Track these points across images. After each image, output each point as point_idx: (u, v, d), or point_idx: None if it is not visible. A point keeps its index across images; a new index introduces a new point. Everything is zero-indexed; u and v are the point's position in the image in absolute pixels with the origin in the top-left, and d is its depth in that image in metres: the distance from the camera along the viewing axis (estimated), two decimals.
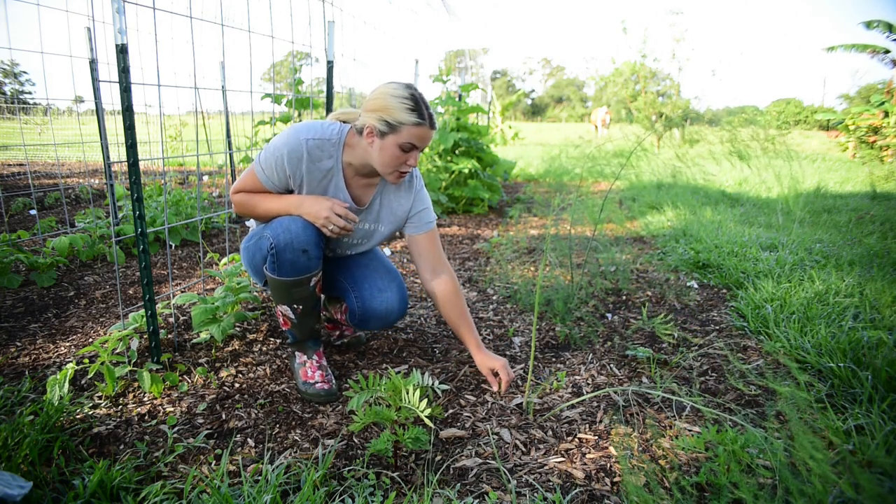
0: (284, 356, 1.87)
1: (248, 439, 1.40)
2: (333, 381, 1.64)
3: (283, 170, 1.51)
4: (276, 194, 1.57)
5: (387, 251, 3.45)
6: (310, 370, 1.65)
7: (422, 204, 1.69)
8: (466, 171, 4.76)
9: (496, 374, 1.62)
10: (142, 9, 1.58)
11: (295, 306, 1.58)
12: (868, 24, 10.12)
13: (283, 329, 1.67)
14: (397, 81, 1.48)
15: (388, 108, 1.42)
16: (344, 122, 1.60)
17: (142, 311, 1.73)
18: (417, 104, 1.43)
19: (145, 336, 1.85)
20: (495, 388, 1.63)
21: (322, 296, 1.74)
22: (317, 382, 1.61)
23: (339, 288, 1.76)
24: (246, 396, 1.60)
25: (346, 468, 1.27)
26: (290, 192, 1.58)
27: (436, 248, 1.70)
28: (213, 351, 1.88)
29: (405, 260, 3.24)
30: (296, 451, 1.34)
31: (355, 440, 1.40)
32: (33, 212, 4.41)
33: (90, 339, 1.97)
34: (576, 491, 1.19)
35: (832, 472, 0.89)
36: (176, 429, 1.43)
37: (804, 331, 1.91)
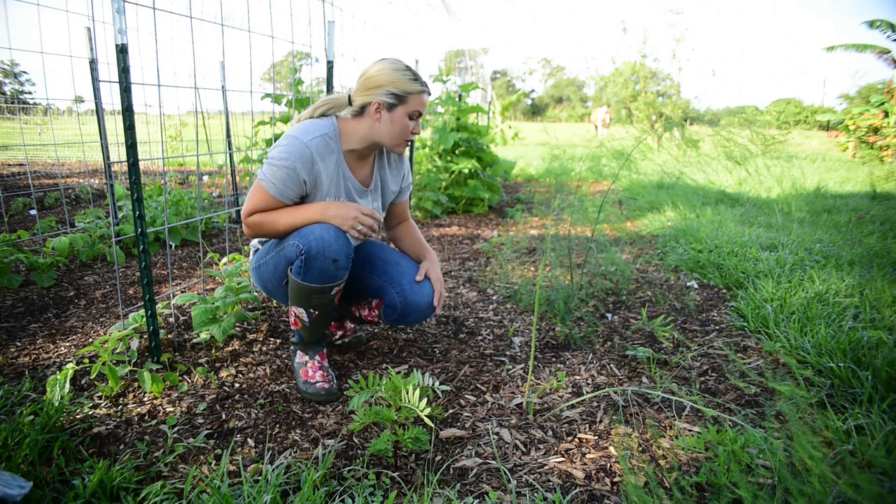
0: (284, 356, 1.87)
1: (248, 439, 1.40)
2: (334, 381, 1.64)
3: (298, 179, 1.50)
4: (293, 206, 1.55)
5: None
6: (311, 370, 1.65)
7: (410, 175, 1.86)
8: (466, 171, 4.76)
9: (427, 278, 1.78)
10: (142, 9, 1.59)
11: (311, 311, 1.58)
12: (871, 24, 10.12)
13: (293, 328, 1.67)
14: (388, 58, 1.55)
15: (394, 81, 1.50)
16: (324, 115, 1.61)
17: (142, 311, 1.73)
18: (416, 74, 1.54)
19: (145, 336, 1.85)
20: (419, 278, 1.73)
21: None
22: (317, 382, 1.61)
23: (373, 286, 1.76)
24: (246, 396, 1.60)
25: (346, 468, 1.27)
26: (303, 199, 1.58)
27: (407, 206, 1.91)
28: (213, 351, 1.88)
29: None
30: (296, 451, 1.34)
31: (355, 440, 1.40)
32: (33, 212, 4.41)
33: (90, 339, 1.97)
34: (576, 491, 1.19)
35: (831, 473, 0.89)
36: (176, 429, 1.43)
37: (804, 331, 1.91)
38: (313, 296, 1.54)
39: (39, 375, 1.69)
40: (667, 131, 2.27)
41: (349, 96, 1.58)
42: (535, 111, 59.61)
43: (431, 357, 1.91)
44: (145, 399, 1.56)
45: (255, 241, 1.73)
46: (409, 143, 1.62)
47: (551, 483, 1.22)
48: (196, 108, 4.65)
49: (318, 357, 1.69)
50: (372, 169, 1.71)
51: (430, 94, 1.57)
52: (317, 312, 1.59)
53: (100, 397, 1.57)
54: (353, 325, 2.01)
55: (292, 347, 1.74)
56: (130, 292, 2.54)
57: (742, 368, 1.75)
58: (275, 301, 2.37)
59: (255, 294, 2.03)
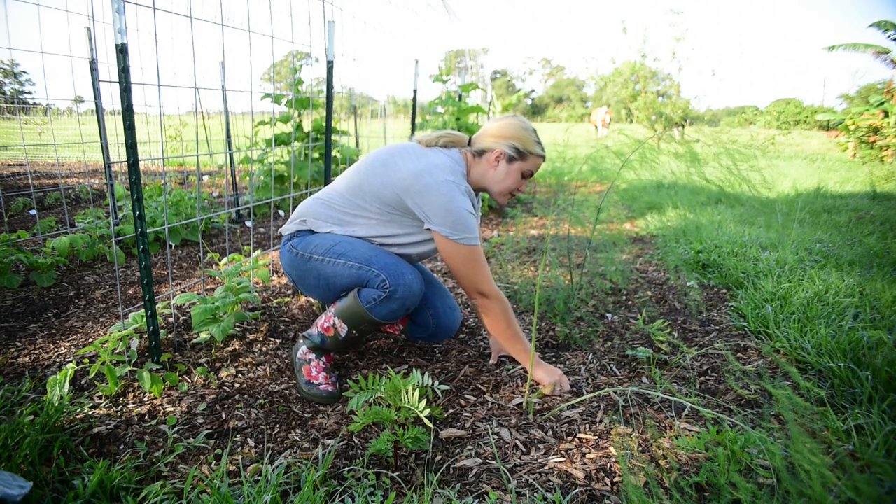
0: (285, 356, 1.87)
1: (248, 439, 1.40)
2: (337, 384, 1.64)
3: (476, 221, 1.55)
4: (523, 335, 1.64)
5: None
6: (314, 370, 1.64)
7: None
8: None
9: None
10: (142, 9, 1.59)
11: (353, 332, 1.60)
12: (879, 25, 10.13)
13: (321, 332, 1.64)
14: (519, 117, 1.65)
15: (522, 138, 1.60)
16: (445, 145, 1.65)
17: (142, 311, 1.73)
18: (540, 140, 1.64)
19: (145, 336, 1.85)
20: (492, 361, 1.83)
21: None
22: (321, 384, 1.61)
23: None
24: (246, 396, 1.60)
25: (346, 468, 1.27)
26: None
27: None
28: (213, 351, 1.88)
29: None
30: (296, 451, 1.34)
31: (355, 440, 1.40)
32: (33, 212, 4.41)
33: (90, 339, 1.97)
34: (576, 491, 1.19)
35: (831, 475, 0.89)
36: (176, 429, 1.43)
37: (804, 331, 1.91)
38: (368, 324, 1.57)
39: (39, 375, 1.69)
40: (666, 132, 2.27)
41: (469, 138, 1.66)
42: (535, 111, 59.59)
43: (431, 357, 1.91)
44: (145, 399, 1.56)
45: (313, 220, 1.63)
46: (512, 197, 1.69)
47: (551, 483, 1.22)
48: (196, 108, 4.65)
49: (324, 359, 1.68)
50: None
51: (545, 160, 1.67)
52: (357, 334, 1.61)
53: (100, 397, 1.57)
54: None
55: (301, 341, 1.70)
56: (130, 292, 2.54)
57: (741, 370, 1.75)
58: (275, 301, 2.37)
59: (255, 294, 2.03)
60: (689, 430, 1.41)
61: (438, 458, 1.32)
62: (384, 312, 1.53)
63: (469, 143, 1.67)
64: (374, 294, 1.51)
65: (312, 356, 1.67)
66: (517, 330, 1.62)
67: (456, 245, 1.50)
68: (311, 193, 3.38)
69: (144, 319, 1.71)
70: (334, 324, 1.60)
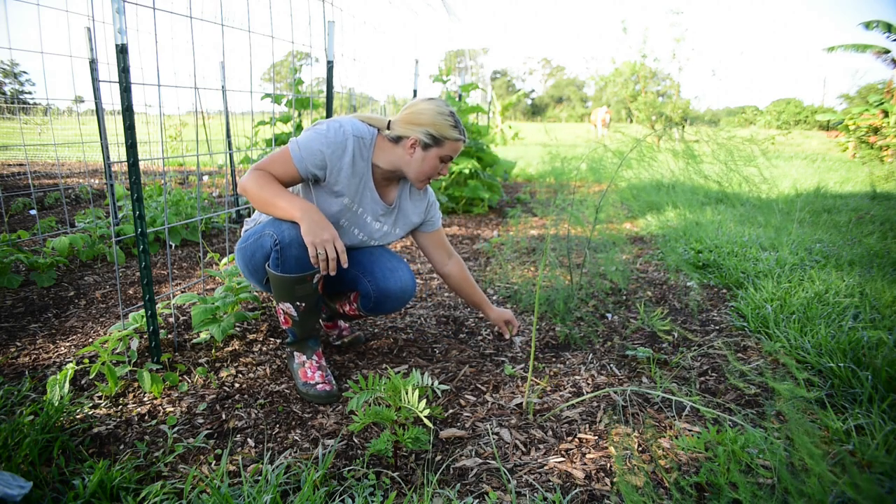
0: (284, 356, 1.87)
1: (248, 439, 1.40)
2: (334, 382, 1.64)
3: (321, 157, 1.51)
4: (290, 193, 1.51)
5: None
6: (309, 370, 1.65)
7: (435, 206, 1.86)
8: (466, 171, 4.76)
9: (508, 325, 1.99)
10: (142, 9, 1.59)
11: (298, 304, 1.58)
12: (868, 25, 10.14)
13: (284, 328, 1.67)
14: (436, 99, 1.61)
15: (435, 124, 1.56)
16: (368, 125, 1.65)
17: (142, 311, 1.73)
18: (457, 122, 1.60)
19: (145, 336, 1.85)
20: (507, 336, 1.99)
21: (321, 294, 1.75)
22: (318, 384, 1.61)
23: (348, 279, 1.75)
24: (246, 396, 1.60)
25: (346, 468, 1.27)
26: (316, 181, 1.58)
27: (445, 239, 1.90)
28: (213, 351, 1.88)
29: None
30: (296, 451, 1.34)
31: (355, 440, 1.40)
32: (33, 212, 4.41)
33: (90, 339, 1.97)
34: (576, 491, 1.19)
35: (831, 473, 0.89)
36: (176, 429, 1.43)
37: (804, 331, 1.91)
38: (295, 287, 1.54)
39: (39, 375, 1.69)
40: (666, 132, 2.27)
41: (389, 121, 1.64)
42: (535, 111, 59.58)
43: (431, 357, 1.91)
44: (145, 399, 1.56)
45: (250, 219, 1.72)
46: (430, 181, 1.67)
47: (551, 483, 1.22)
48: (196, 108, 4.65)
49: (315, 357, 1.68)
50: (396, 193, 1.73)
51: (465, 142, 1.64)
52: (304, 304, 1.59)
53: (100, 397, 1.57)
54: (347, 325, 2.02)
55: (288, 349, 1.74)
56: (130, 292, 2.54)
57: (741, 370, 1.75)
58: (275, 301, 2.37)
59: (255, 294, 2.03)
60: (690, 430, 1.41)
61: (438, 458, 1.32)
62: (291, 264, 1.50)
63: (388, 127, 1.64)
64: (273, 256, 1.51)
65: (304, 357, 1.68)
66: (278, 186, 1.50)
67: (285, 145, 1.53)
68: None
69: (144, 319, 1.71)
70: (283, 310, 1.61)
